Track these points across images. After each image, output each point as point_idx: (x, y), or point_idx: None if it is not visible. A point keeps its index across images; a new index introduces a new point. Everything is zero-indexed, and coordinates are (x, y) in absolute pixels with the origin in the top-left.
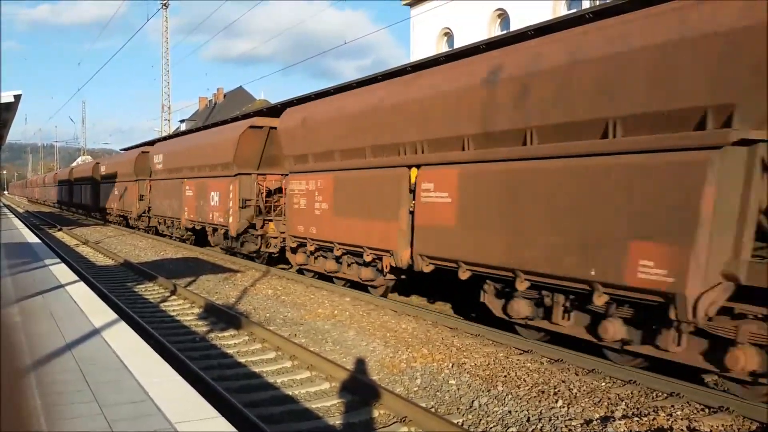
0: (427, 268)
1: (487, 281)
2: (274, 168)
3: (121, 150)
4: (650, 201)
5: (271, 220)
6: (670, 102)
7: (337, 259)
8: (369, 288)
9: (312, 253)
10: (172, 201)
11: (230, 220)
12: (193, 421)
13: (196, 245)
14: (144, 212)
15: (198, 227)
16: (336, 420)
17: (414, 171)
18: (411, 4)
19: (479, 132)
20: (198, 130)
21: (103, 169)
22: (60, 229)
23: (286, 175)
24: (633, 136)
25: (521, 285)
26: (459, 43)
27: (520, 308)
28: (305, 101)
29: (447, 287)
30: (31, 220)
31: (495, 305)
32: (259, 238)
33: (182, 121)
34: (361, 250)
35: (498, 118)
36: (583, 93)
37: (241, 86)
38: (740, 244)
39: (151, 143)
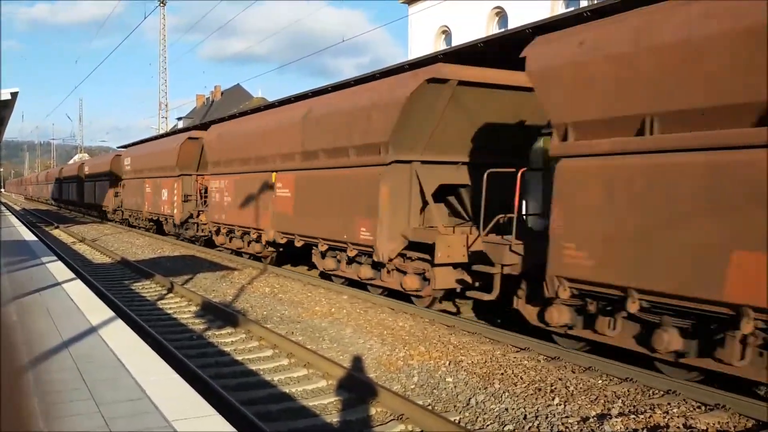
0: (282, 241)
1: (314, 247)
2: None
3: (118, 147)
4: (364, 195)
5: (203, 211)
6: (369, 138)
7: (241, 238)
8: (261, 258)
9: (226, 234)
10: (137, 197)
11: (175, 211)
12: (191, 419)
13: (157, 233)
14: (118, 207)
15: (155, 218)
16: (333, 418)
17: (274, 174)
18: (409, 2)
19: (302, 150)
20: (154, 139)
21: (86, 169)
22: (57, 227)
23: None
24: (358, 157)
25: (323, 247)
26: (457, 41)
27: (329, 263)
28: (224, 120)
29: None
30: (28, 217)
31: (319, 263)
32: (196, 225)
33: (179, 118)
34: (250, 230)
35: (310, 142)
36: (340, 130)
37: (238, 84)
38: (409, 218)
39: (126, 147)
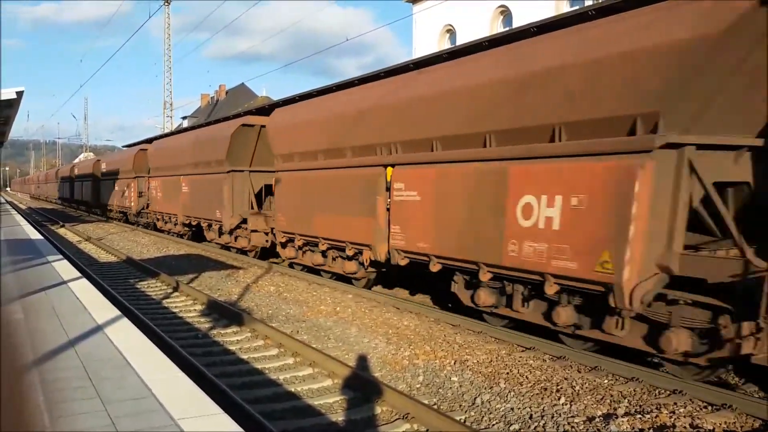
0: (187, 222)
1: (203, 225)
2: None
3: (123, 146)
4: (217, 191)
5: (150, 204)
6: (217, 157)
7: (170, 222)
8: (182, 236)
9: (162, 220)
10: (110, 194)
11: (132, 204)
12: (197, 417)
13: (126, 223)
14: (97, 203)
15: (122, 210)
16: (338, 417)
17: (181, 177)
18: (413, 1)
19: (193, 162)
20: (129, 146)
21: (76, 171)
22: (62, 226)
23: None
24: (215, 167)
25: (204, 224)
26: (461, 40)
27: (211, 235)
28: (162, 137)
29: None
30: (34, 216)
31: (207, 235)
32: (146, 214)
33: (184, 118)
34: (172, 215)
35: (196, 157)
36: (207, 150)
37: (243, 83)
38: (243, 204)
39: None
